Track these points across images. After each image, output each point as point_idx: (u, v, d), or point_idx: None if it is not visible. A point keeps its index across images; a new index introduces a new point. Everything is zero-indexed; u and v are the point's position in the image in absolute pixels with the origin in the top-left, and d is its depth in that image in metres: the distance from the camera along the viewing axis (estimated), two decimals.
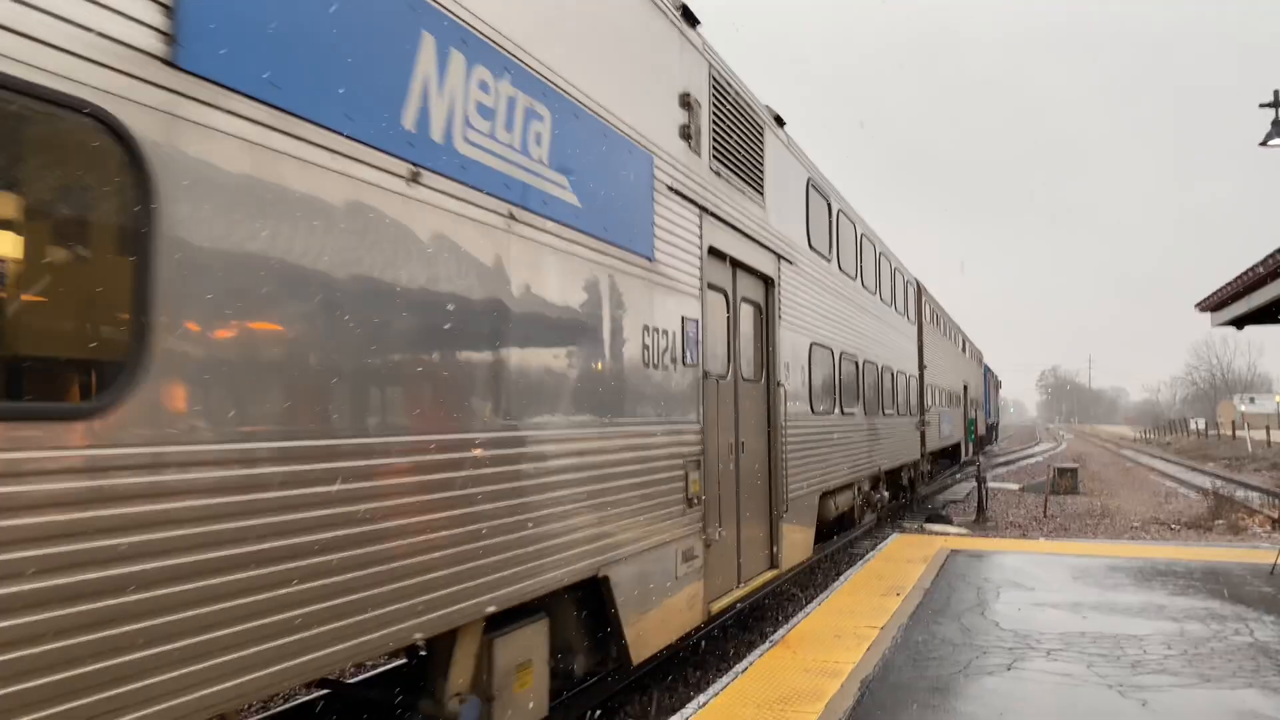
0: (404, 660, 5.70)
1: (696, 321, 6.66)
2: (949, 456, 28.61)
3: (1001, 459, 46.21)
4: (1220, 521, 18.09)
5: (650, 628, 5.70)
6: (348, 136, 3.40)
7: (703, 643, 8.91)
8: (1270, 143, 17.36)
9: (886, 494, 15.52)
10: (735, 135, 7.75)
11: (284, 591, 3.08)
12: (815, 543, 10.13)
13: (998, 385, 60.01)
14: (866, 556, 11.20)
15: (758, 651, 6.73)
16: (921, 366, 20.36)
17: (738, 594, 7.40)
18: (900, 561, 10.58)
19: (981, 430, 39.00)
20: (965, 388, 31.32)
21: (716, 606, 6.89)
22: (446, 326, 3.91)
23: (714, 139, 7.24)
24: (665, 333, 6.09)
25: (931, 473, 23.86)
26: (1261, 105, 17.44)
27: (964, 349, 33.19)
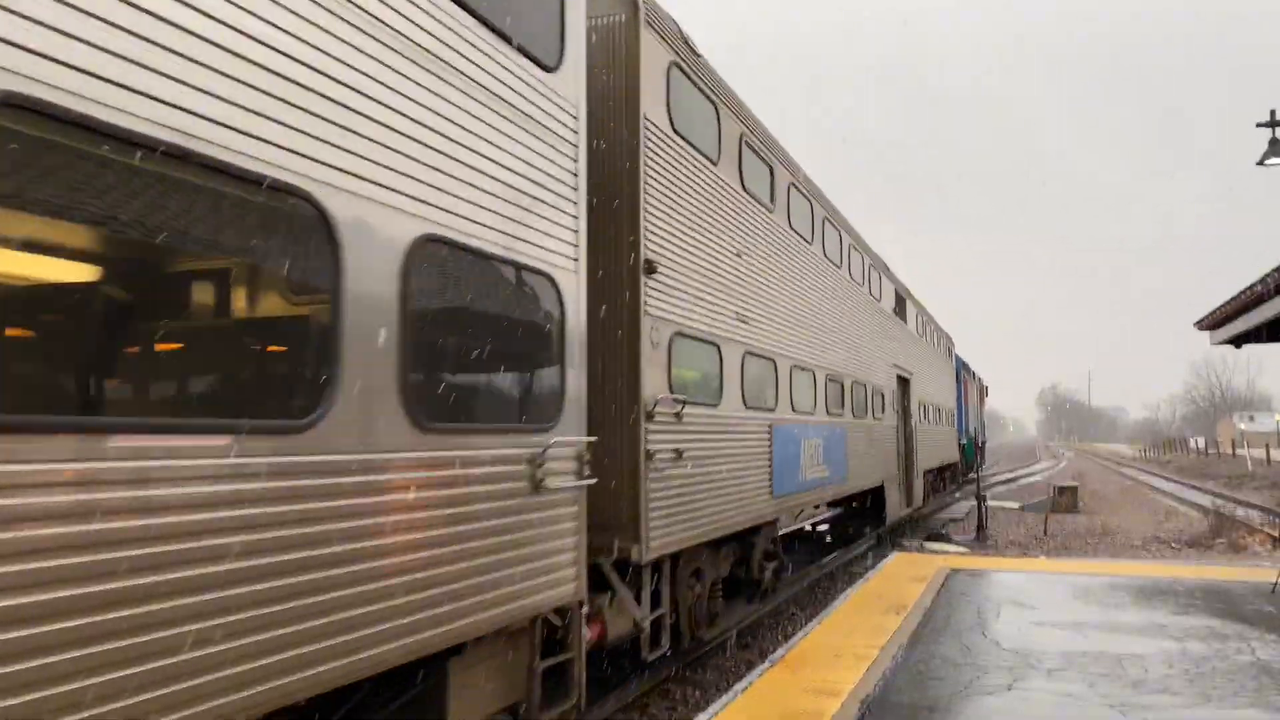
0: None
1: None
2: (861, 506, 15.82)
3: (1001, 478, 46.06)
4: (1221, 540, 18.03)
5: None
6: None
7: (705, 660, 8.87)
8: (1268, 162, 17.42)
9: None
10: None
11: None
12: None
13: (983, 391, 42.89)
14: (866, 575, 11.16)
15: (757, 671, 6.70)
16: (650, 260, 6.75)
17: None
18: (900, 580, 10.55)
19: (945, 455, 23.93)
20: (905, 382, 18.11)
21: None
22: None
23: None
24: None
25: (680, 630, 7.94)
26: (1259, 125, 17.51)
27: (904, 313, 18.95)
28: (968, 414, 33.01)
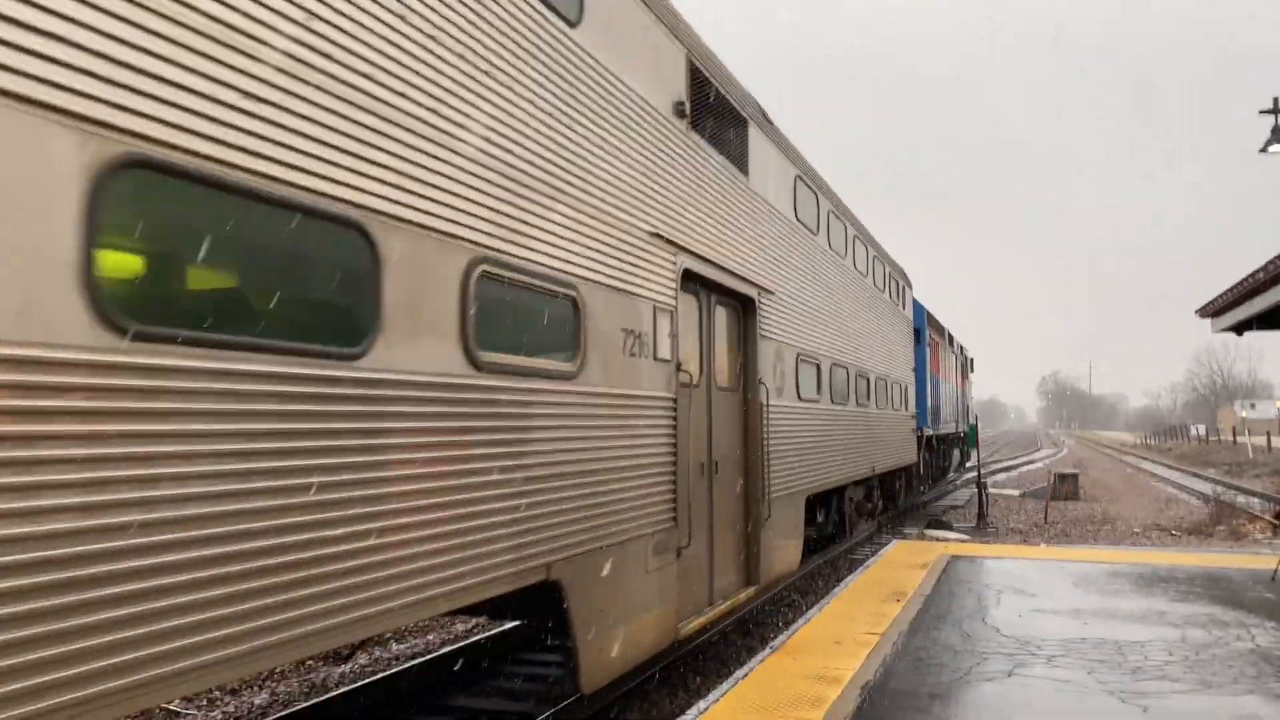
0: None
1: None
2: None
3: (1002, 465, 46.11)
4: (1221, 527, 18.07)
5: None
6: None
7: (704, 648, 8.90)
8: (1270, 149, 17.37)
9: None
10: None
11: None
12: None
13: (965, 366, 31.00)
14: (867, 562, 11.18)
15: (758, 658, 6.72)
16: None
17: None
18: (901, 567, 10.57)
19: (886, 457, 15.26)
20: (744, 304, 8.66)
21: None
22: None
23: None
24: None
25: None
26: (1261, 111, 17.46)
27: (744, 157, 8.69)
28: (938, 393, 22.80)
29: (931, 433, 21.39)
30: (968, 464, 29.51)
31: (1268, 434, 50.01)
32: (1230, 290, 12.96)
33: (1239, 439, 56.78)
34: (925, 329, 21.14)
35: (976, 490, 19.91)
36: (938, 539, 15.07)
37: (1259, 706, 5.44)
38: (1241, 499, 24.49)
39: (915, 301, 20.22)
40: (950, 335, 26.73)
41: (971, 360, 33.59)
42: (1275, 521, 18.13)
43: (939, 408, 22.90)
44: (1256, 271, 11.58)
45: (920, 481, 21.10)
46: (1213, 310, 14.34)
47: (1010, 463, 49.19)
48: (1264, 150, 17.46)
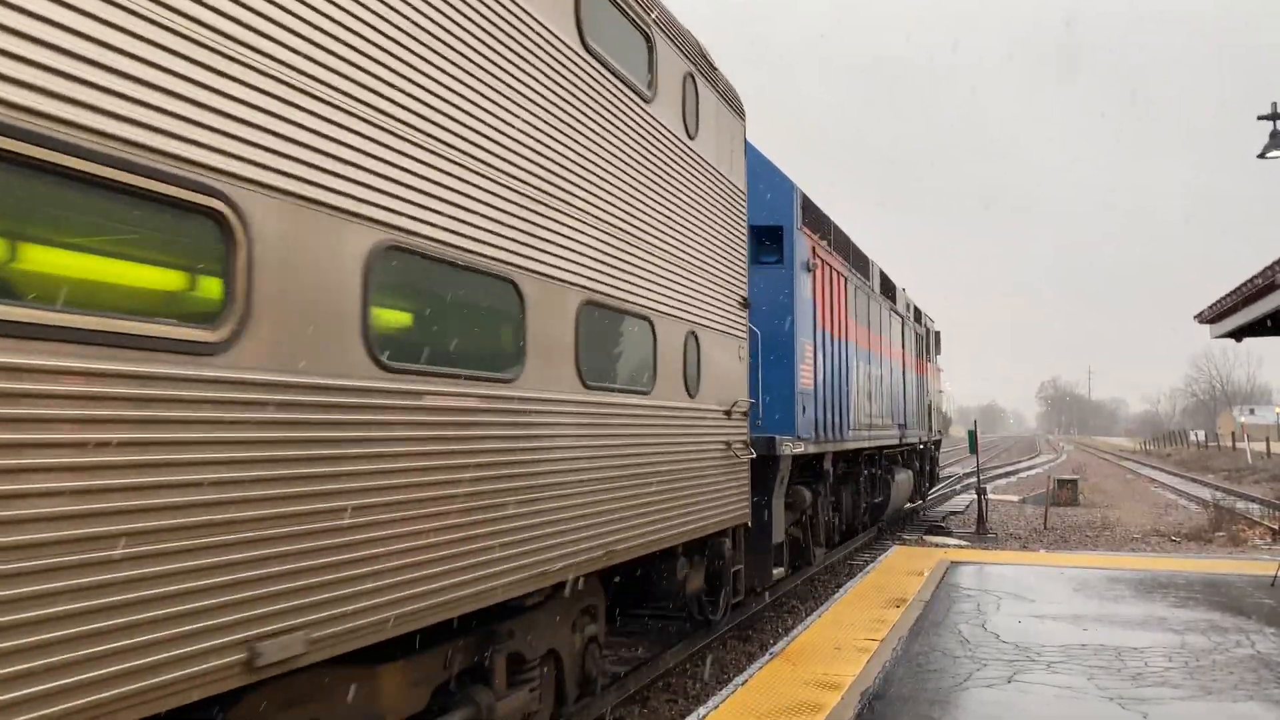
0: None
1: None
2: None
3: (1001, 471, 46.09)
4: (1220, 533, 18.06)
5: None
6: None
7: (705, 654, 8.89)
8: (1269, 155, 17.39)
9: None
10: None
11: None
12: None
13: (926, 342, 21.20)
14: (866, 568, 11.18)
15: (758, 664, 6.72)
16: None
17: None
18: (900, 573, 10.56)
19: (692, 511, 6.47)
20: None
21: None
22: None
23: None
24: None
25: None
26: (1260, 117, 17.47)
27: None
28: (845, 370, 12.74)
29: (814, 448, 10.96)
30: (930, 491, 21.92)
31: (1267, 439, 50.07)
32: (1229, 296, 12.98)
33: (1238, 444, 56.79)
34: (794, 231, 10.61)
35: (976, 496, 19.90)
36: (937, 545, 15.06)
37: (1260, 713, 5.44)
38: (1241, 504, 24.48)
39: (763, 160, 10.30)
40: (885, 276, 16.43)
41: (938, 334, 23.57)
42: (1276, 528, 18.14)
43: (845, 399, 12.62)
44: (1254, 278, 11.60)
45: (777, 557, 9.57)
46: (1211, 316, 14.35)
47: (1010, 468, 49.16)
48: (1262, 156, 17.47)
